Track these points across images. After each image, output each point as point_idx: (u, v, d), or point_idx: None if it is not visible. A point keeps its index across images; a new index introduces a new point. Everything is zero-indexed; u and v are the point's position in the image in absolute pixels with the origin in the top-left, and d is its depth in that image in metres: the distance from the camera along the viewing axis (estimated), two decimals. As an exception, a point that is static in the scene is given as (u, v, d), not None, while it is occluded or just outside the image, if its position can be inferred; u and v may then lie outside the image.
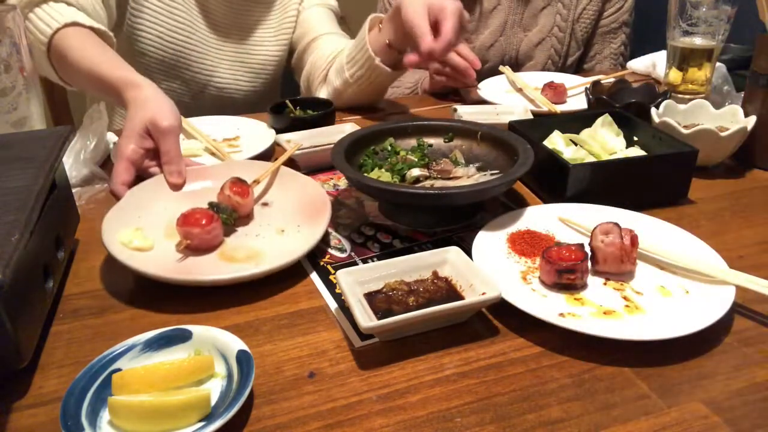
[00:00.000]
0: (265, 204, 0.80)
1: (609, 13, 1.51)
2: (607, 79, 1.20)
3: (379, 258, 0.73)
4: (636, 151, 0.91)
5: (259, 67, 1.38)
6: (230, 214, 0.73)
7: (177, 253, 0.70)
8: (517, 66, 1.50)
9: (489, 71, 1.44)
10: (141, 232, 0.71)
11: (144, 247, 0.69)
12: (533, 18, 1.49)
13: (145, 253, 0.69)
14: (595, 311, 0.61)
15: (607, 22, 1.51)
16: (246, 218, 0.77)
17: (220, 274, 0.65)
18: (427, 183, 0.81)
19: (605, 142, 0.93)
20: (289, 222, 0.76)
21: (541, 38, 1.49)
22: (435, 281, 0.64)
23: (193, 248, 0.70)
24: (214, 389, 0.52)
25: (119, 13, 1.19)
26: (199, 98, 1.34)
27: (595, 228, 0.67)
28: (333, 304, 0.65)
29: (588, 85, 1.12)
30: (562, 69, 1.51)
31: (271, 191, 0.83)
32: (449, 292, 0.63)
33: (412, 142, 0.91)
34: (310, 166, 0.97)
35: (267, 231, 0.75)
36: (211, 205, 0.73)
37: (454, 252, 0.66)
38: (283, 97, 1.18)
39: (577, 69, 1.57)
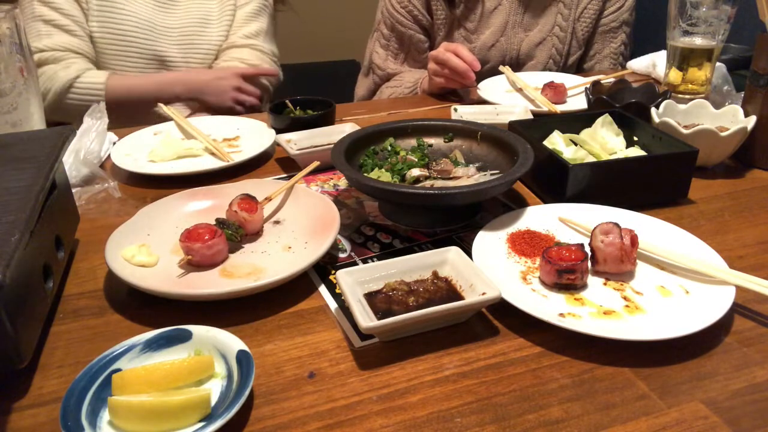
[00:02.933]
0: (277, 222, 0.79)
1: (609, 12, 1.50)
2: (607, 79, 1.20)
3: (379, 258, 0.73)
4: (636, 151, 0.91)
5: (207, 48, 1.45)
6: (236, 231, 0.72)
7: (179, 268, 0.69)
8: (518, 66, 1.50)
9: (489, 71, 1.44)
10: (146, 248, 0.70)
11: (147, 262, 0.68)
12: (534, 18, 1.48)
13: (145, 269, 0.68)
14: (595, 311, 0.61)
15: (608, 21, 1.51)
16: (255, 235, 0.76)
17: (210, 288, 0.64)
18: (427, 183, 0.81)
19: (605, 142, 0.93)
20: (298, 239, 0.75)
21: (542, 38, 1.49)
22: (435, 281, 0.64)
23: (195, 264, 0.69)
24: (214, 389, 0.52)
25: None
26: None
27: (595, 228, 0.67)
28: (333, 304, 0.65)
29: (588, 85, 1.12)
30: (563, 69, 1.51)
31: (285, 209, 0.82)
32: (449, 292, 0.63)
33: (412, 142, 0.91)
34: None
35: (274, 248, 0.73)
36: (218, 221, 0.72)
37: (454, 252, 0.66)
38: None
39: (578, 69, 1.56)
